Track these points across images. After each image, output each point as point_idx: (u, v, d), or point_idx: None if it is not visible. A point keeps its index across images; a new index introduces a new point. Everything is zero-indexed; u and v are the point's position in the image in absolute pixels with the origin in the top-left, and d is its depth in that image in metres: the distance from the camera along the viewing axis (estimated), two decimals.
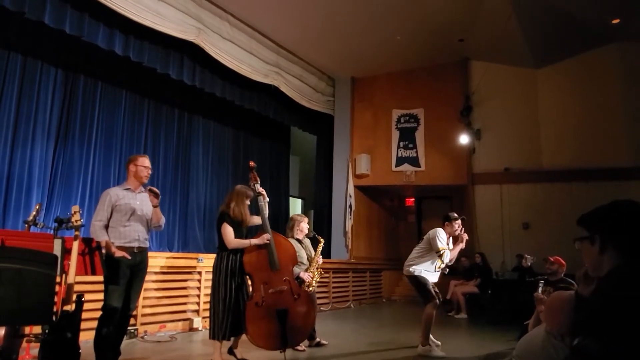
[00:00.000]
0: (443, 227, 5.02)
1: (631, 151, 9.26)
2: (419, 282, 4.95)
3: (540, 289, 5.48)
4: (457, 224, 4.96)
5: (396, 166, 10.73)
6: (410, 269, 5.01)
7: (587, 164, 9.46)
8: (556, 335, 1.81)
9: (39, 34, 6.24)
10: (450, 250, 4.91)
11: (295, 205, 13.24)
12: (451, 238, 5.03)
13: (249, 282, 4.18)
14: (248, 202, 4.16)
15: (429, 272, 4.97)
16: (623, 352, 1.10)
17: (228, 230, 3.97)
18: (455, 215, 5.05)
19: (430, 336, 4.81)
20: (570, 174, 9.54)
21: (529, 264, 8.02)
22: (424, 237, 5.18)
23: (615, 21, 8.70)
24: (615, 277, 1.25)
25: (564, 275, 4.86)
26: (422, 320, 4.80)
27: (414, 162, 10.63)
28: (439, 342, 4.91)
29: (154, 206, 3.74)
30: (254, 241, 4.03)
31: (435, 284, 5.08)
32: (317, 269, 4.87)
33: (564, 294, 1.77)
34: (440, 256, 4.85)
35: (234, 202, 4.09)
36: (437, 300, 4.87)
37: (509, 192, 10.10)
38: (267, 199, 4.31)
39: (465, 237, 4.97)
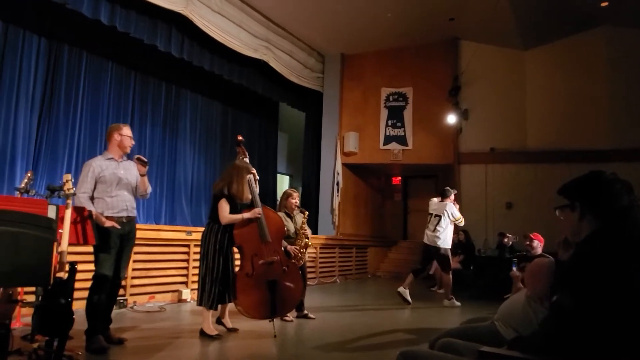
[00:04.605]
0: (446, 199, 6.46)
1: (612, 134, 9.49)
2: (444, 254, 6.37)
3: (514, 267, 5.82)
4: (454, 196, 6.57)
5: (384, 144, 10.81)
6: (439, 243, 6.34)
7: (570, 145, 9.67)
8: (536, 299, 1.92)
9: (21, 0, 6.06)
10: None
11: (283, 182, 13.29)
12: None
13: (237, 255, 4.25)
14: (249, 178, 4.18)
15: (452, 238, 6.52)
16: (595, 305, 1.19)
17: (224, 207, 4.01)
18: (451, 189, 6.68)
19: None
20: (553, 156, 9.73)
21: (511, 243, 8.25)
22: (435, 214, 6.43)
23: (605, 4, 8.76)
24: (592, 240, 1.34)
25: (542, 252, 5.04)
26: (444, 284, 6.66)
27: (402, 140, 10.71)
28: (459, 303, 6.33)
29: (142, 175, 3.73)
30: (246, 215, 4.09)
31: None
32: (304, 242, 4.89)
33: (544, 260, 1.88)
34: (461, 222, 6.43)
35: (235, 179, 4.10)
36: (451, 272, 6.45)
37: (493, 172, 10.28)
38: (257, 177, 4.37)
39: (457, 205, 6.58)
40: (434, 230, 6.38)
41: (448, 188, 6.71)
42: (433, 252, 6.45)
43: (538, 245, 5.22)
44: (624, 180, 1.45)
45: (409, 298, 6.29)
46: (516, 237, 8.17)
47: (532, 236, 5.24)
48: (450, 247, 6.50)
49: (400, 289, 6.33)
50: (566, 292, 1.26)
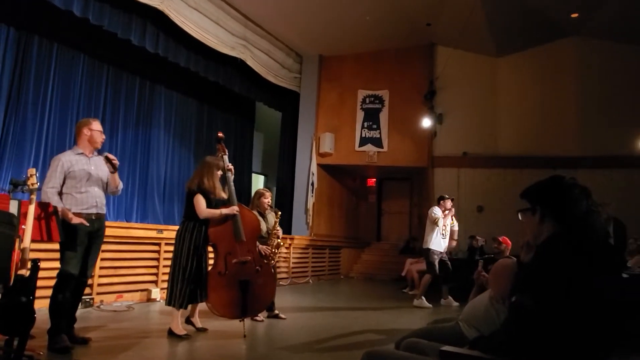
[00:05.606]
0: (438, 205, 6.78)
1: (580, 141, 9.79)
2: (428, 256, 6.64)
3: (480, 267, 6.02)
4: (449, 202, 6.79)
5: (359, 146, 10.88)
6: (425, 245, 6.69)
7: (540, 151, 9.94)
8: (498, 299, 1.98)
9: None
10: (443, 217, 6.69)
11: (258, 182, 13.21)
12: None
13: (211, 255, 4.21)
14: (220, 173, 4.16)
15: (439, 241, 6.63)
16: (553, 305, 1.23)
17: (201, 201, 3.97)
18: (447, 196, 6.96)
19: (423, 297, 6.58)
20: (523, 161, 9.98)
21: (480, 245, 8.43)
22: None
23: (574, 15, 9.06)
24: (550, 242, 1.39)
25: (510, 254, 5.17)
26: (422, 282, 6.75)
27: (377, 143, 10.81)
28: (430, 305, 6.49)
29: (111, 172, 3.65)
30: (225, 211, 4.06)
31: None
32: (277, 242, 4.90)
33: (506, 261, 1.93)
34: (437, 223, 6.55)
35: (205, 175, 4.07)
36: (436, 275, 6.62)
37: (465, 175, 10.48)
38: (233, 173, 4.35)
39: (452, 212, 6.81)
40: (424, 233, 6.85)
41: (442, 195, 7.07)
42: (425, 255, 6.84)
43: (505, 248, 5.37)
44: (583, 185, 1.50)
45: (455, 303, 6.71)
46: (484, 239, 8.36)
47: (500, 239, 5.39)
48: (436, 250, 6.64)
49: (442, 301, 6.81)
50: (526, 292, 1.30)
